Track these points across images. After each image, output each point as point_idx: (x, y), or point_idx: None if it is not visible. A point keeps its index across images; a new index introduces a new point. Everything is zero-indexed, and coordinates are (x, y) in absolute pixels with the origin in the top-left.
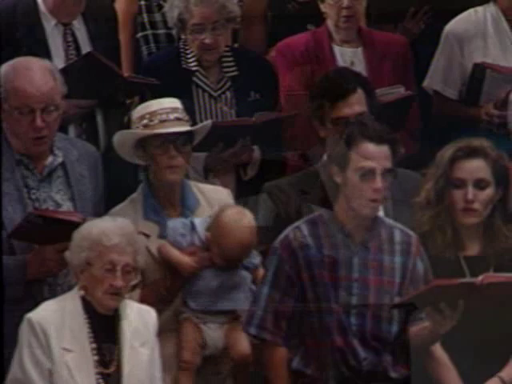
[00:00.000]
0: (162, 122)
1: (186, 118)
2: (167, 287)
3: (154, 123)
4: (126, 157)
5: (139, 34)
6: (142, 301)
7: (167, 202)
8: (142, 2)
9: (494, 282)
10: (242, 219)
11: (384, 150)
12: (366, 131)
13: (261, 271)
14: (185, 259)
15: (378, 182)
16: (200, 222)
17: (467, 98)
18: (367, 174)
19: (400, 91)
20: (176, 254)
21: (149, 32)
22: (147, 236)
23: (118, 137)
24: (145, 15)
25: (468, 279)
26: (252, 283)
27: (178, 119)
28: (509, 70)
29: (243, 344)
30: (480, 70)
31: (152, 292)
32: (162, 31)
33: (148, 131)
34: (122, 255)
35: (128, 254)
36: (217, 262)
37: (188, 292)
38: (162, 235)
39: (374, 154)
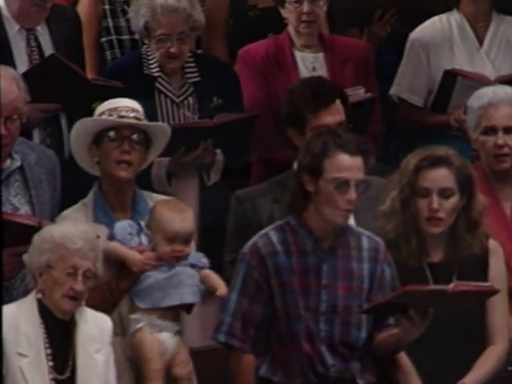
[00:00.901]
0: (121, 117)
1: (145, 121)
2: (112, 289)
3: (113, 118)
4: (82, 160)
5: (103, 39)
6: (88, 303)
7: (118, 205)
8: (107, 7)
9: (465, 290)
10: (175, 201)
11: (358, 161)
12: (341, 142)
13: (208, 272)
14: (134, 254)
15: (352, 193)
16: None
17: (436, 105)
18: (341, 185)
19: (360, 93)
20: (125, 250)
21: (113, 37)
22: (97, 237)
23: (77, 127)
24: (109, 20)
25: (439, 286)
26: (201, 284)
27: (136, 118)
28: (480, 76)
29: (187, 363)
30: (451, 76)
31: (97, 295)
32: (126, 37)
33: (104, 118)
34: (84, 260)
35: (90, 260)
36: (163, 252)
37: (135, 292)
38: (111, 237)
39: (349, 166)
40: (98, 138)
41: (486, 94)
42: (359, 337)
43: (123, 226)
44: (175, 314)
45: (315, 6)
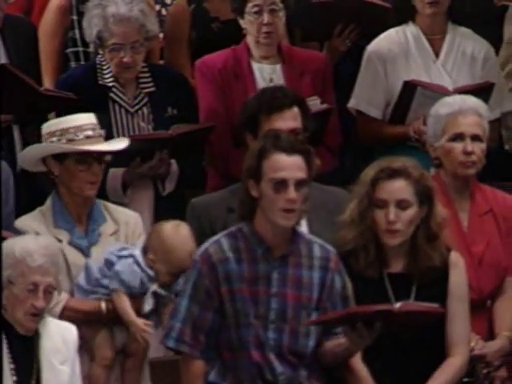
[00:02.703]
0: (88, 137)
1: (103, 134)
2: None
3: (80, 138)
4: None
5: (69, 50)
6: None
7: (77, 214)
8: (75, 17)
9: (411, 310)
10: (181, 229)
11: (296, 160)
12: (278, 143)
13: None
14: (139, 321)
15: (291, 192)
16: (139, 253)
17: (394, 117)
18: (280, 185)
19: (317, 103)
20: (130, 313)
21: (80, 49)
22: (60, 241)
23: (33, 150)
24: (77, 31)
25: (385, 306)
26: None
27: (101, 136)
28: (439, 87)
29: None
30: (410, 87)
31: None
32: (93, 49)
33: (76, 148)
34: (45, 276)
35: (51, 275)
36: (164, 280)
37: None
38: (72, 242)
39: (286, 165)
40: (60, 155)
41: (455, 101)
42: (307, 345)
43: (126, 269)
44: None
45: (275, 16)
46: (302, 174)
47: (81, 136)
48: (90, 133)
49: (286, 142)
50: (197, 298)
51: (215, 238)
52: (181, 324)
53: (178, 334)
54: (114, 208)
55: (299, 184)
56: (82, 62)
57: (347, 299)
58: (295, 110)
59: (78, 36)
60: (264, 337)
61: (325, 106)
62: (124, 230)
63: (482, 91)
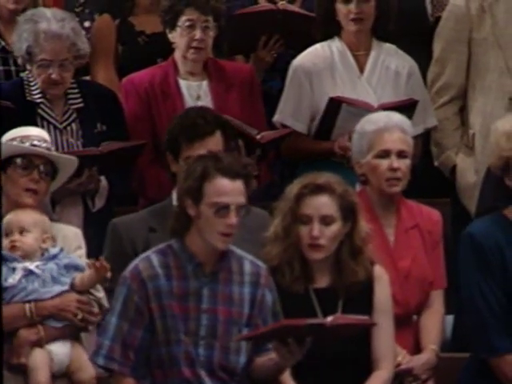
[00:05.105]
0: (33, 146)
1: (54, 152)
2: None
3: (25, 145)
4: None
5: None
6: None
7: None
8: None
9: (343, 324)
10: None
11: (239, 185)
12: (221, 166)
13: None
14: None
15: (232, 218)
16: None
17: (319, 132)
18: (221, 210)
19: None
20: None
21: None
22: None
23: None
24: None
25: (317, 320)
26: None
27: (47, 149)
28: (363, 103)
29: (88, 368)
30: (335, 103)
31: None
32: (20, 63)
33: (19, 145)
34: None
35: None
36: (5, 247)
37: None
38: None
39: (229, 190)
40: (4, 163)
41: (380, 118)
42: (238, 361)
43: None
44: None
45: (206, 34)
46: (242, 199)
47: (27, 144)
48: (36, 142)
49: (229, 166)
50: (126, 315)
51: (145, 254)
52: (110, 341)
53: (108, 351)
54: (51, 225)
55: (239, 209)
56: None
57: (277, 315)
58: (217, 135)
59: None
60: (194, 353)
61: (285, 130)
62: (62, 245)
63: (406, 108)
